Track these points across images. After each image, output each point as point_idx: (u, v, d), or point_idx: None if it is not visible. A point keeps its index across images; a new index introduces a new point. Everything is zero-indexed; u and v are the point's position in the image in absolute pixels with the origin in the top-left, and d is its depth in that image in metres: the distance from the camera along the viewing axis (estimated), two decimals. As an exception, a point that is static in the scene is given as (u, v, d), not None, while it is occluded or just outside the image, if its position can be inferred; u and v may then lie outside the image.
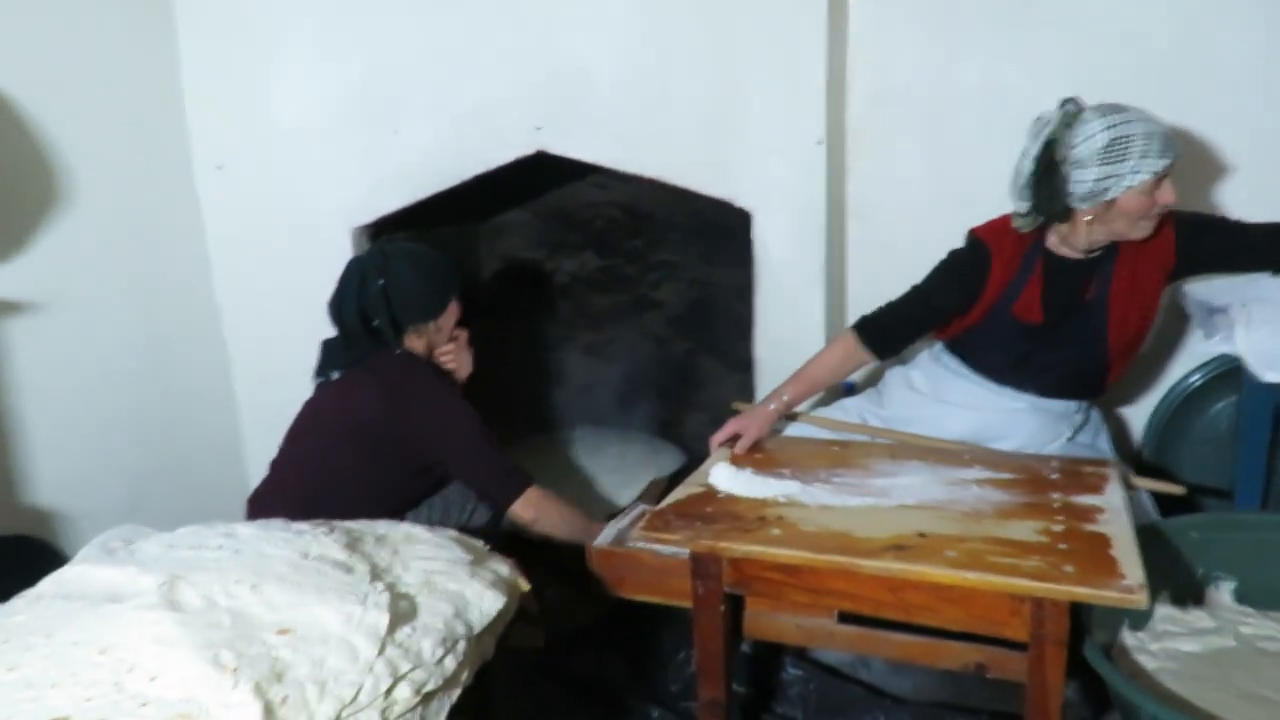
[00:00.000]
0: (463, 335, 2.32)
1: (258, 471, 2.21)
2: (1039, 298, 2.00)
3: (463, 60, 2.56)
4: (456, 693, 1.33)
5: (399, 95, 2.61)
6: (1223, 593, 1.87)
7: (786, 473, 1.91)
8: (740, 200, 2.50)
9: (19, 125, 2.22)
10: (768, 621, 1.79)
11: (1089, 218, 1.88)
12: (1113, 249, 1.97)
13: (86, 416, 2.42)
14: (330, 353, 2.18)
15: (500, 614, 1.46)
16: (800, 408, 2.25)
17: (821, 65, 2.36)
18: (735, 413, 2.18)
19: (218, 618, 1.26)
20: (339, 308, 2.16)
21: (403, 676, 1.24)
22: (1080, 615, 1.54)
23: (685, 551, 1.70)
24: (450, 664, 1.31)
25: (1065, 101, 1.87)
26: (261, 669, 1.17)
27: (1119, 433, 2.54)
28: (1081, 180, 1.83)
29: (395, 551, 1.53)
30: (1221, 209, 2.30)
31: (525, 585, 1.61)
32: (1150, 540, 1.67)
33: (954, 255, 2.09)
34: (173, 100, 2.66)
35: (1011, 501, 1.73)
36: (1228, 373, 2.32)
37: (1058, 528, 1.59)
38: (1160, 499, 2.01)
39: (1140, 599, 1.36)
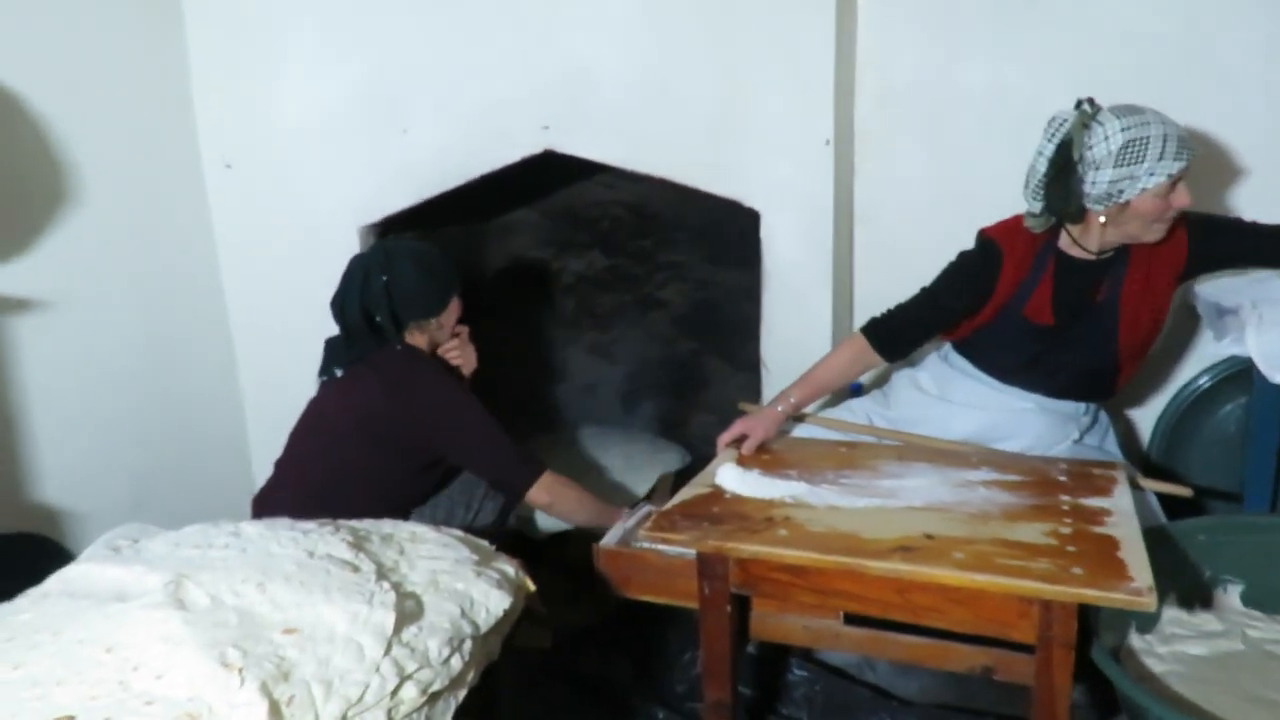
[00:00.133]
0: (465, 331, 2.33)
1: (263, 470, 2.21)
2: (1050, 299, 1.99)
3: (470, 59, 2.56)
4: (462, 693, 1.33)
5: (407, 94, 2.61)
6: (1231, 596, 1.86)
7: (793, 474, 1.91)
8: (748, 200, 2.50)
9: (28, 123, 2.22)
10: (774, 622, 1.78)
11: (1103, 219, 1.87)
12: (1125, 250, 1.96)
13: (93, 414, 2.42)
14: (333, 351, 2.18)
15: (506, 614, 1.46)
16: (808, 409, 2.24)
17: (830, 65, 2.35)
18: (742, 413, 2.17)
19: (224, 616, 1.26)
20: (341, 305, 2.16)
21: (409, 676, 1.24)
22: (1088, 618, 1.54)
23: (691, 552, 1.69)
24: (456, 664, 1.31)
25: (1081, 102, 1.86)
26: (267, 668, 1.17)
27: (1127, 434, 2.53)
28: (1096, 181, 1.82)
29: (401, 551, 1.53)
30: (1227, 209, 2.29)
31: (531, 585, 1.60)
32: (1158, 543, 1.66)
33: (964, 256, 2.08)
34: (181, 98, 2.67)
35: (1019, 503, 1.72)
36: (1237, 374, 2.31)
37: (1066, 530, 1.59)
38: (1168, 501, 2.00)
39: (1148, 601, 1.35)
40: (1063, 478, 1.85)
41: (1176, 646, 1.73)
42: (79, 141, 2.33)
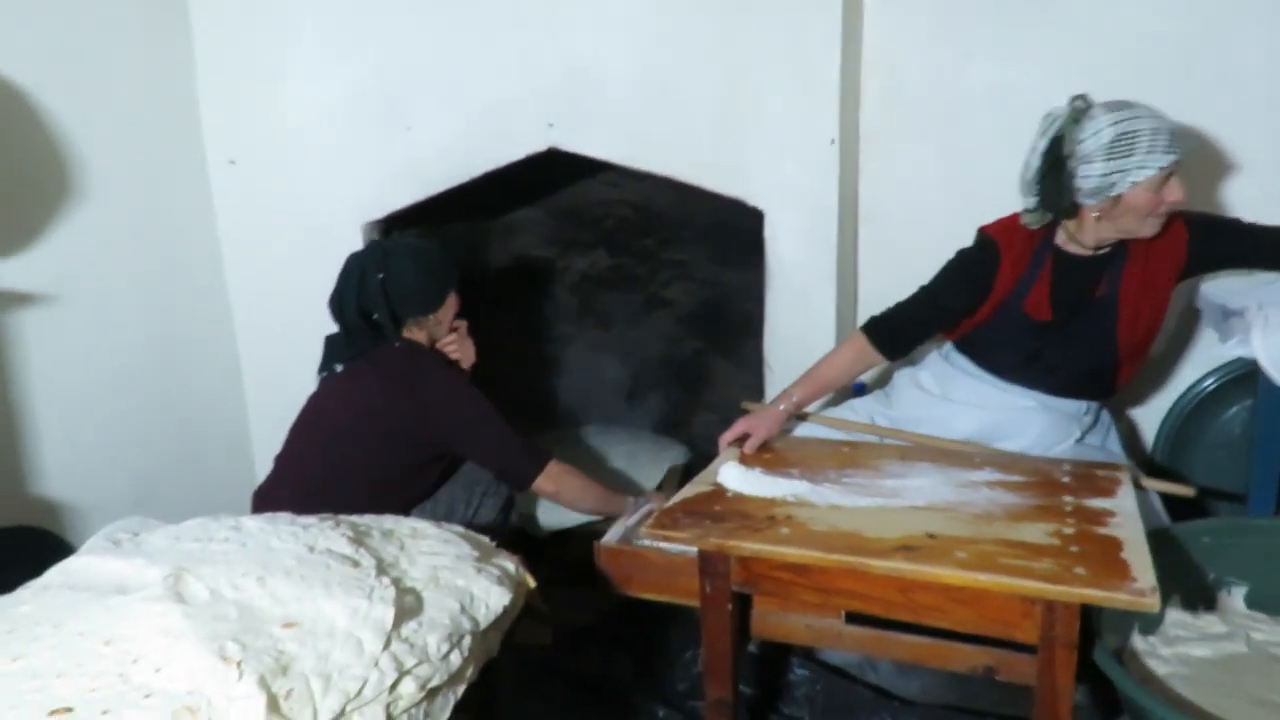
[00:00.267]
0: (463, 326, 2.34)
1: (265, 466, 2.21)
2: (1048, 294, 2.00)
3: (475, 57, 2.56)
4: (461, 689, 1.33)
5: (411, 91, 2.62)
6: (1235, 598, 1.86)
7: (795, 472, 1.90)
8: (753, 200, 2.50)
9: (33, 120, 2.22)
10: (776, 621, 1.78)
11: (1096, 214, 1.88)
12: (1123, 247, 1.96)
13: (95, 409, 2.43)
14: (333, 347, 2.19)
15: (506, 610, 1.45)
16: (810, 408, 2.24)
17: (836, 65, 2.35)
18: (745, 412, 2.17)
19: (224, 610, 1.26)
20: (339, 304, 2.17)
21: (408, 671, 1.23)
22: (1091, 619, 1.53)
23: (693, 550, 1.69)
24: (455, 660, 1.31)
25: (1075, 98, 1.87)
26: (267, 662, 1.16)
27: (1132, 436, 2.52)
28: (1088, 175, 1.83)
29: (402, 546, 1.53)
30: (1234, 210, 2.28)
31: (532, 582, 1.60)
32: (1162, 544, 1.66)
33: (962, 254, 2.09)
34: (186, 95, 2.67)
35: (1022, 504, 1.71)
36: (1242, 377, 2.31)
37: (1069, 530, 1.58)
38: (1172, 503, 2.00)
39: (1152, 602, 1.35)
40: (1066, 479, 1.84)
41: (1180, 648, 1.72)
42: (84, 138, 2.33)
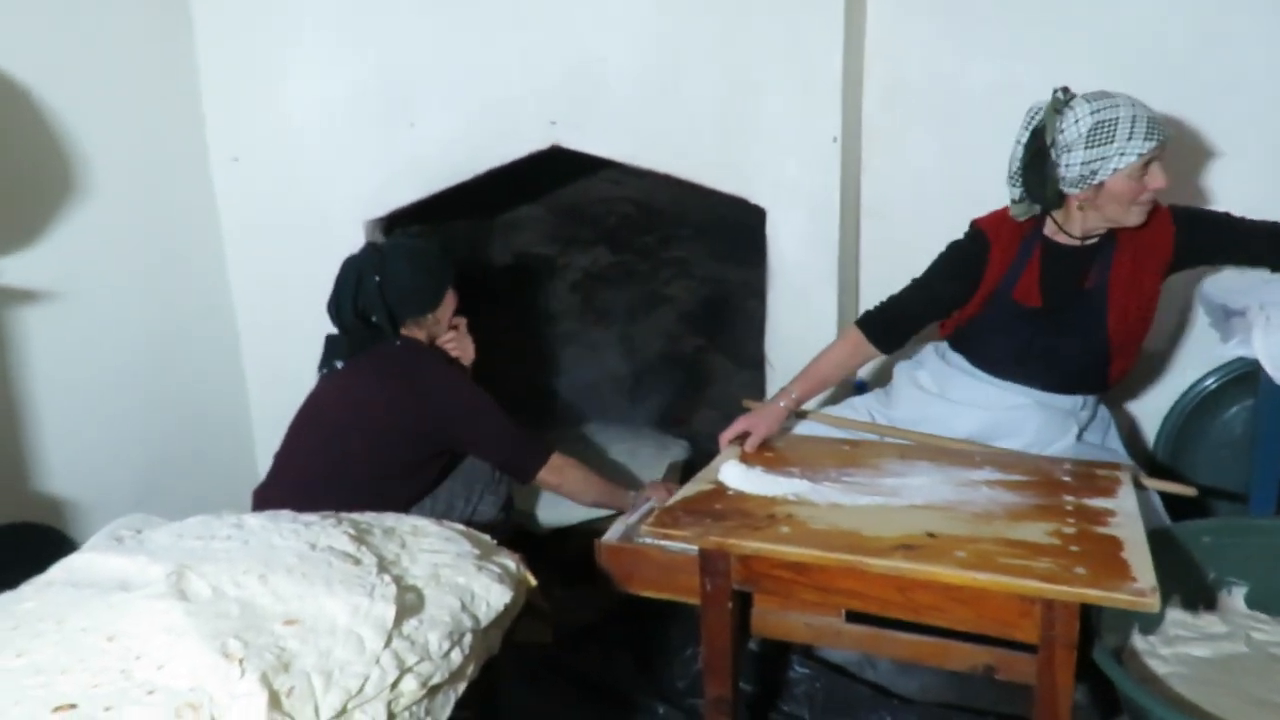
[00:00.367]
0: (462, 323, 2.34)
1: (267, 463, 2.22)
2: (1037, 281, 2.02)
3: (478, 54, 2.56)
4: (462, 686, 1.33)
5: (414, 89, 2.62)
6: (1235, 598, 1.86)
7: (796, 471, 1.91)
8: (754, 197, 2.49)
9: (38, 118, 2.22)
10: (775, 619, 1.78)
11: (1079, 203, 1.90)
12: (1111, 238, 1.98)
13: (99, 405, 2.43)
14: (333, 345, 2.19)
15: (507, 608, 1.46)
16: (810, 405, 2.24)
17: (838, 62, 2.35)
18: (745, 410, 2.17)
19: (226, 607, 1.26)
20: (337, 308, 2.18)
21: (409, 669, 1.24)
22: (1090, 618, 1.54)
23: (693, 548, 1.69)
24: (456, 657, 1.31)
25: (1057, 90, 1.89)
26: (268, 659, 1.17)
27: (1133, 435, 2.52)
28: (1070, 164, 1.85)
29: (403, 544, 1.53)
30: (1232, 209, 2.27)
31: (532, 580, 1.61)
32: (1162, 544, 1.66)
33: (953, 245, 2.11)
34: (189, 92, 2.67)
35: (1023, 503, 1.72)
36: (1243, 376, 2.31)
37: (1069, 530, 1.58)
38: (1173, 502, 2.00)
39: (1152, 602, 1.35)
40: (1066, 478, 1.84)
41: (1180, 648, 1.72)
42: (87, 136, 2.34)
